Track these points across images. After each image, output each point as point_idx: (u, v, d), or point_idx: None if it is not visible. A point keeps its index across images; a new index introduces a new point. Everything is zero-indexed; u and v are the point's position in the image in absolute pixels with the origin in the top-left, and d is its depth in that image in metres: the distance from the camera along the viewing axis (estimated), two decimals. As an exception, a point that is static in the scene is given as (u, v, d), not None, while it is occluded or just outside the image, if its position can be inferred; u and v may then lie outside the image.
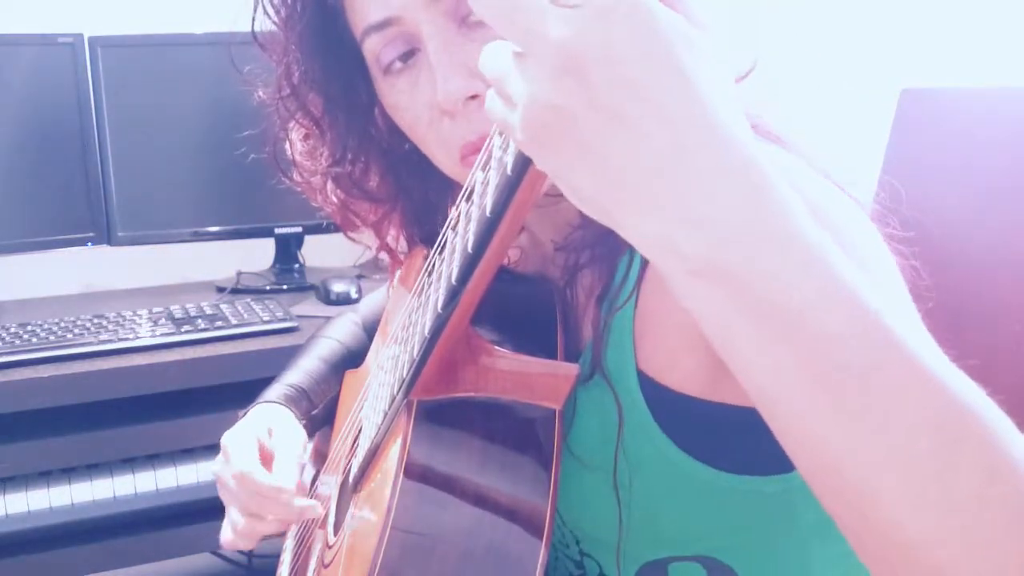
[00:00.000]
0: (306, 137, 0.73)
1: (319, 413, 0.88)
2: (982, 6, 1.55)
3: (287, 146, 0.75)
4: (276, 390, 0.86)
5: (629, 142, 0.35)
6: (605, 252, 0.61)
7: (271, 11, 0.66)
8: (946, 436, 0.36)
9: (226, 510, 0.78)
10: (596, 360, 0.60)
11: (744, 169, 0.36)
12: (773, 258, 0.36)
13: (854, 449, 0.37)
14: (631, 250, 0.60)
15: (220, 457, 0.78)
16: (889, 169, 1.25)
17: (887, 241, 0.57)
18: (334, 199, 0.75)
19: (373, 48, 0.61)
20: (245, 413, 0.84)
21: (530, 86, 0.36)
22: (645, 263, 0.59)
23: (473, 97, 0.57)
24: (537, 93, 0.36)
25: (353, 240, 0.80)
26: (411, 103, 0.62)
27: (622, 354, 0.60)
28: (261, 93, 0.73)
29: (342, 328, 0.99)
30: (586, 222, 0.62)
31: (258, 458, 0.75)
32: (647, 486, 0.61)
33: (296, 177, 0.75)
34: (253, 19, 0.67)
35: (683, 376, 0.58)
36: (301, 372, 0.90)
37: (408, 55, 0.60)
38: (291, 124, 0.72)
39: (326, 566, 0.73)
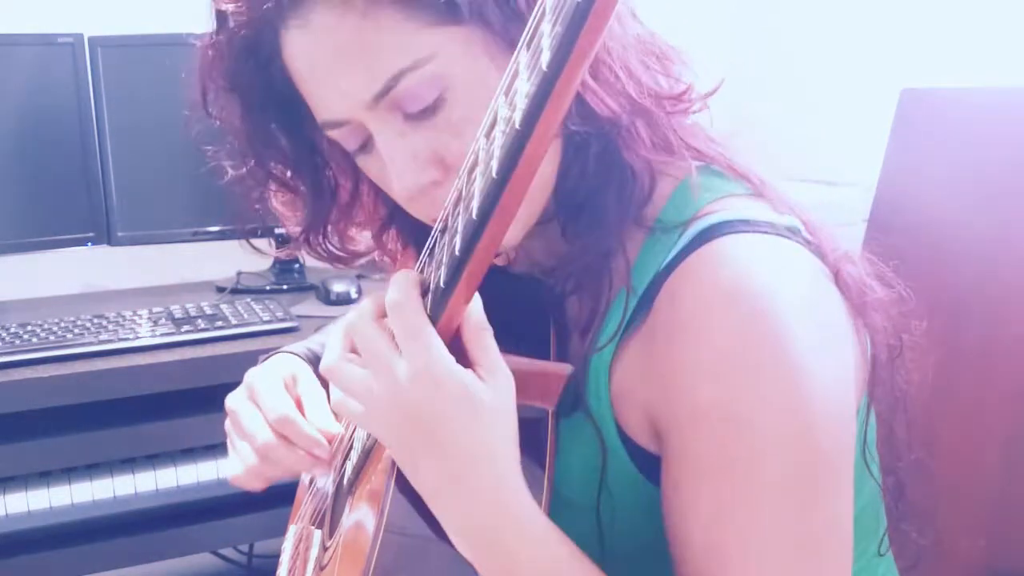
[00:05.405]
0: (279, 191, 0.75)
1: None
2: (982, 6, 1.54)
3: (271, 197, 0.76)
4: (300, 346, 0.86)
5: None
6: (589, 282, 0.62)
7: (224, 101, 0.69)
8: None
9: (234, 446, 0.76)
10: (579, 395, 0.61)
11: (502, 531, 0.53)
12: None
13: None
14: (623, 296, 0.61)
15: (241, 392, 0.77)
16: (889, 169, 1.25)
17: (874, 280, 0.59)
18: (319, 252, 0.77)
19: (334, 137, 0.63)
20: (267, 358, 0.83)
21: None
22: (633, 317, 0.60)
23: (432, 182, 0.59)
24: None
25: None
26: (381, 177, 0.64)
27: (600, 402, 0.61)
28: (231, 171, 0.75)
29: None
30: (572, 250, 0.63)
31: (294, 405, 0.74)
32: (631, 523, 0.62)
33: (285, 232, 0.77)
34: (205, 104, 0.70)
35: (648, 440, 0.60)
36: (320, 345, 0.89)
37: (367, 145, 0.62)
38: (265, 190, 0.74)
39: (323, 568, 0.73)
